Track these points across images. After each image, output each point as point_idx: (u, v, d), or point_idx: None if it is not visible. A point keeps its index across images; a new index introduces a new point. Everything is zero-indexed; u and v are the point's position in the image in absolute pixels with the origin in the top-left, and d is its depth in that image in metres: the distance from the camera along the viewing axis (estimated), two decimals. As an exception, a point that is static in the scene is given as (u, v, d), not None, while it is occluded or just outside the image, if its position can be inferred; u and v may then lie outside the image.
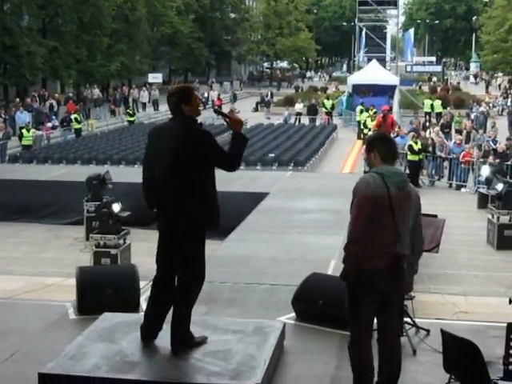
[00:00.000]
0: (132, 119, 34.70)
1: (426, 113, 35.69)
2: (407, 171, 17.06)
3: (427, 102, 36.94)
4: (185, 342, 4.98)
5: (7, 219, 14.29)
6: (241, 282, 7.90)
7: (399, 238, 4.43)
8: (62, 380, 4.73)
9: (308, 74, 79.09)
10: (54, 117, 33.03)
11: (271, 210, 12.13)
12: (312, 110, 36.14)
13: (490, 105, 40.10)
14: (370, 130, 25.26)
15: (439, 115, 34.68)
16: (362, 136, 28.08)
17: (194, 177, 4.77)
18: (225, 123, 4.95)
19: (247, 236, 10.27)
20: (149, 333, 5.07)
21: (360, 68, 48.16)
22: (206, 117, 36.45)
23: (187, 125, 4.79)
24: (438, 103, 36.77)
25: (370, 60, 46.16)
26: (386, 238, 4.42)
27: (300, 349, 5.92)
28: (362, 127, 28.88)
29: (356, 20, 55.97)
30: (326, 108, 36.11)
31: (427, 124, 28.08)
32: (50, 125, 29.72)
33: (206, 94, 45.71)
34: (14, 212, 14.49)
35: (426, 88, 53.57)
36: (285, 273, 8.22)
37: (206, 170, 4.82)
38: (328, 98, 38.83)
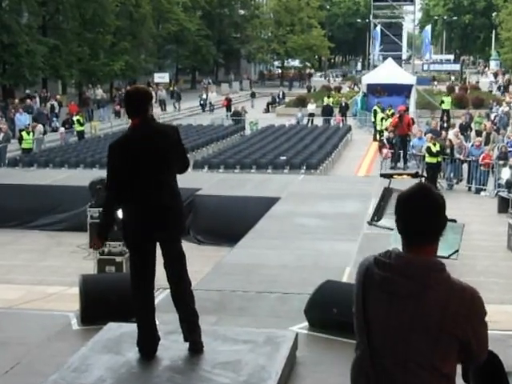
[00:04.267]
0: (138, 120, 33.69)
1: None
2: (425, 174, 17.07)
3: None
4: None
5: (6, 226, 14.20)
6: (251, 291, 7.80)
7: None
8: (65, 393, 4.69)
9: (316, 73, 77.84)
10: (54, 118, 32.78)
11: (282, 215, 12.03)
12: (327, 111, 35.80)
13: (511, 105, 38.74)
14: (384, 130, 25.31)
15: (446, 112, 34.12)
16: (377, 137, 28.01)
17: (175, 178, 4.98)
18: None
19: (257, 242, 10.23)
20: (151, 347, 5.02)
21: (375, 67, 47.37)
22: (215, 118, 35.92)
23: (165, 124, 5.13)
24: (447, 99, 36.42)
25: (385, 58, 45.97)
26: None
27: (313, 360, 5.83)
28: (377, 128, 28.77)
29: (371, 16, 55.46)
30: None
31: (445, 125, 27.71)
32: (62, 129, 29.50)
33: (204, 96, 45.21)
34: (14, 218, 14.39)
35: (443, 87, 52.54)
36: (297, 281, 8.13)
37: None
38: (329, 97, 38.82)
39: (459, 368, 4.01)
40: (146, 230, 4.88)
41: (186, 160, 5.06)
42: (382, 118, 27.99)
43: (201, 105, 43.64)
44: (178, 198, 5.01)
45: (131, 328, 5.23)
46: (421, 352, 2.49)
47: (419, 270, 2.49)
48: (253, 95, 47.92)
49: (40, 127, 27.07)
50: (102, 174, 13.84)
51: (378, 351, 2.56)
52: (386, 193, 7.56)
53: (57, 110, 34.59)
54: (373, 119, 30.58)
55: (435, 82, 55.83)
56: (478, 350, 2.59)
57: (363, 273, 2.62)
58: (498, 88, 53.59)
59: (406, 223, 2.55)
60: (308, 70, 74.33)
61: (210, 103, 43.67)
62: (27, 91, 37.36)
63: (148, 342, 5.02)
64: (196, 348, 5.02)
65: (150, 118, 4.93)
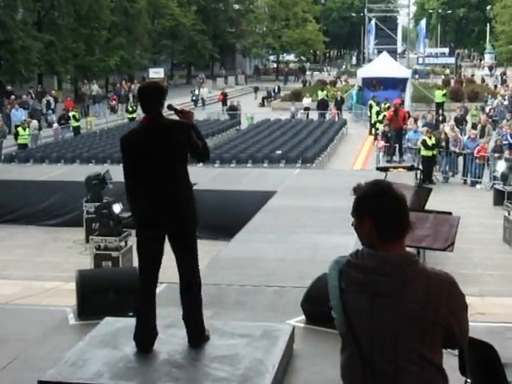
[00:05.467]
0: (133, 116, 33.69)
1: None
2: (421, 167, 17.06)
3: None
4: (204, 336, 5.07)
5: (2, 221, 14.18)
6: (248, 285, 7.79)
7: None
8: (62, 388, 4.62)
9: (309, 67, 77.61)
10: (51, 113, 32.58)
11: (279, 209, 12.00)
12: (322, 105, 35.63)
13: (506, 97, 38.80)
14: (380, 122, 25.36)
15: (440, 106, 34.47)
16: (373, 131, 28.06)
17: (187, 172, 4.96)
18: (178, 117, 5.05)
19: (254, 236, 10.19)
20: (149, 341, 4.99)
21: (370, 60, 47.24)
22: (211, 112, 35.83)
23: (172, 120, 4.96)
24: (438, 93, 36.63)
25: (380, 52, 46.04)
26: None
27: (310, 353, 5.85)
28: (373, 122, 28.73)
29: (365, 10, 55.35)
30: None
31: (440, 118, 27.72)
32: (56, 125, 29.40)
33: (196, 92, 44.89)
34: (10, 214, 14.35)
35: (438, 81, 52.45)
36: (294, 274, 8.12)
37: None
38: (322, 90, 38.94)
39: (456, 362, 4.30)
40: (155, 223, 4.84)
41: (201, 152, 4.99)
42: (377, 112, 28.02)
43: (193, 100, 43.44)
44: (188, 192, 4.96)
45: (128, 322, 5.20)
46: (409, 346, 2.48)
47: (396, 267, 2.48)
48: (256, 89, 48.95)
49: (35, 123, 26.93)
50: (98, 169, 14.00)
51: (366, 351, 2.53)
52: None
53: (53, 106, 34.33)
54: (368, 113, 30.59)
55: (416, 76, 55.65)
56: (461, 336, 2.59)
57: (337, 276, 2.61)
58: (502, 82, 53.41)
59: (381, 220, 2.50)
60: (305, 65, 74.19)
61: (202, 99, 43.43)
62: (8, 87, 37.03)
63: (145, 336, 4.99)
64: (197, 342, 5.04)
65: (157, 114, 4.87)
